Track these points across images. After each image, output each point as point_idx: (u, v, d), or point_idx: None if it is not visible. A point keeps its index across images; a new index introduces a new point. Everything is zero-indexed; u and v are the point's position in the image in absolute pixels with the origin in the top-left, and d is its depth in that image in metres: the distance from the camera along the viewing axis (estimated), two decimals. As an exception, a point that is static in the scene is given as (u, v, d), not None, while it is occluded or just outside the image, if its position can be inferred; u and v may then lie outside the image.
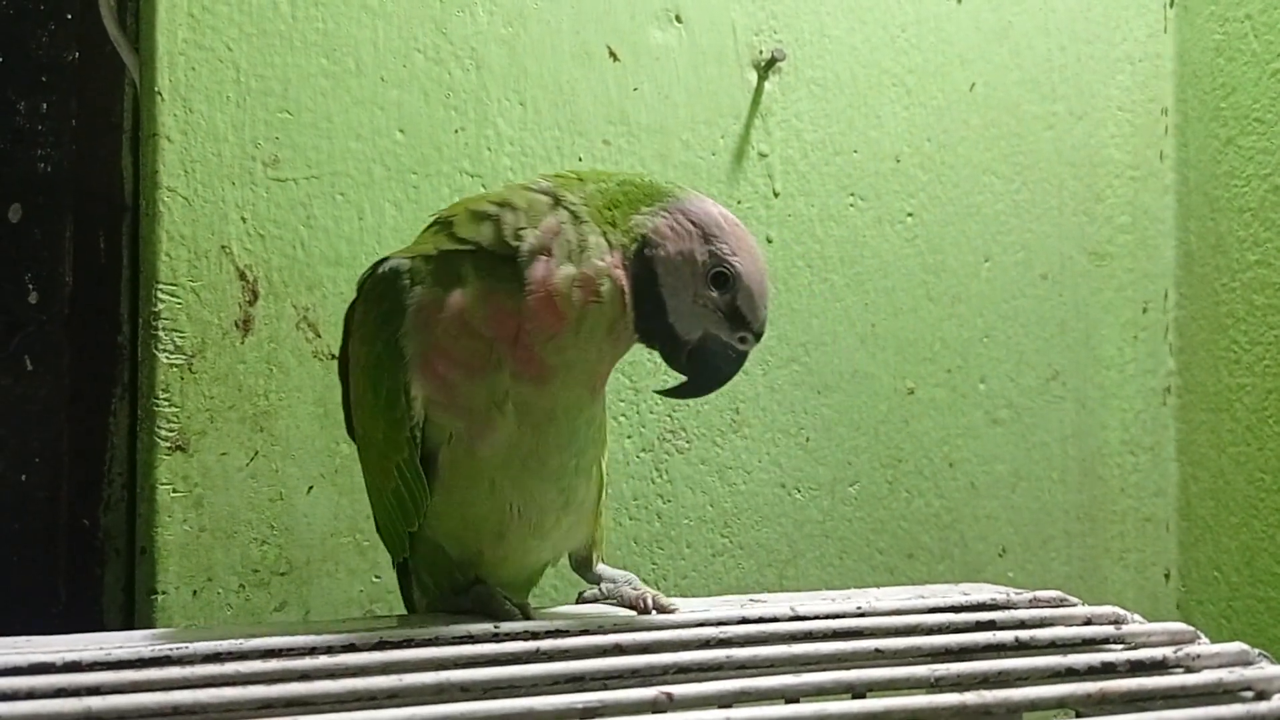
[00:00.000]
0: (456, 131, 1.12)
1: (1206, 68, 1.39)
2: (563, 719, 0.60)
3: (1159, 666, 0.70)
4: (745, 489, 1.22)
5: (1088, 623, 0.77)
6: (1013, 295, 1.35)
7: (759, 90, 1.24)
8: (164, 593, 1.00)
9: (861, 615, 0.77)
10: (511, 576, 0.81)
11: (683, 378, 0.77)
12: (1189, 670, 0.70)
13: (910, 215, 1.30)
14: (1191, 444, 1.40)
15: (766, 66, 1.24)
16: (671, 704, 0.61)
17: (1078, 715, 0.69)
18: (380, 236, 1.08)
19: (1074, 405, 1.37)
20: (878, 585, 1.05)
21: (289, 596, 1.04)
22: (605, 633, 0.71)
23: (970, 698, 0.63)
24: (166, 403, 1.01)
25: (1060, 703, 0.65)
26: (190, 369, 1.02)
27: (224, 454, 1.03)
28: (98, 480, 1.08)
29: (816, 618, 0.76)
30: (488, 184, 1.12)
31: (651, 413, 1.17)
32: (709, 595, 1.16)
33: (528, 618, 0.75)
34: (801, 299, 1.25)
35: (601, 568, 0.84)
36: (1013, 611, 0.79)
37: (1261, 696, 0.68)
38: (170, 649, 0.66)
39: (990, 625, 0.76)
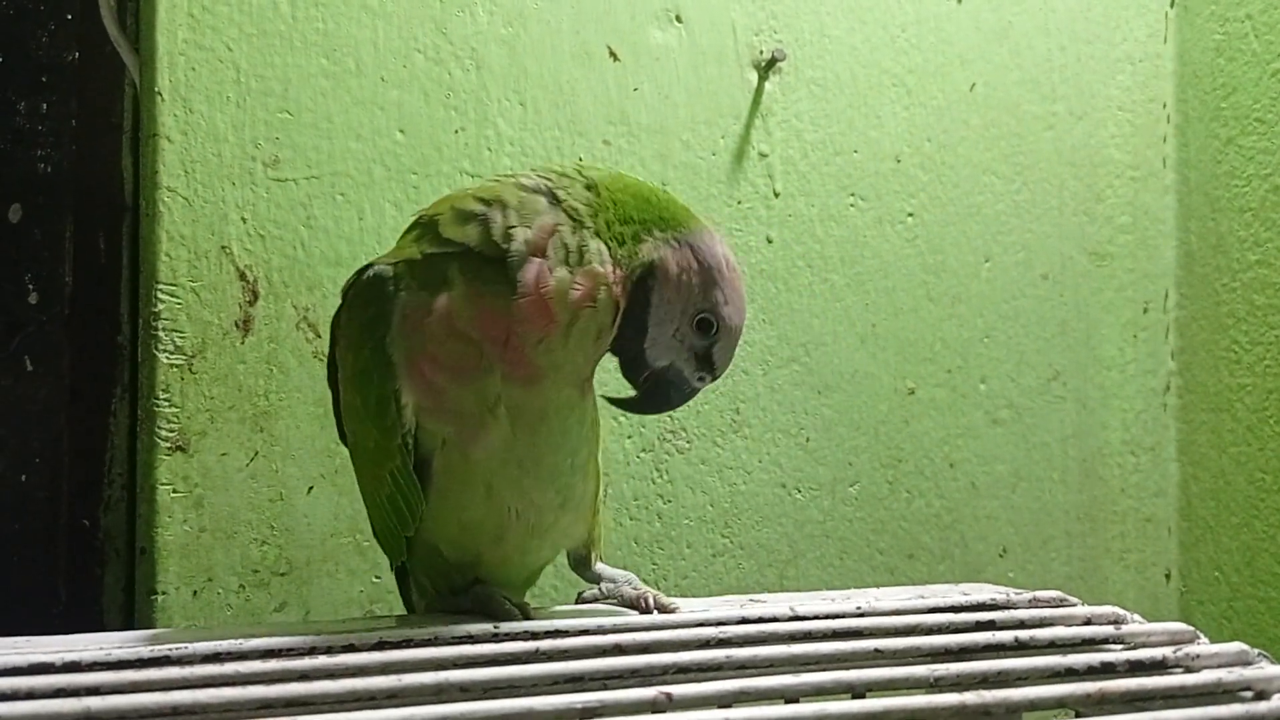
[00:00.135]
0: (457, 132, 1.12)
1: (1207, 68, 1.39)
2: (562, 719, 0.59)
3: (1158, 666, 0.70)
4: (745, 489, 1.22)
5: (1087, 623, 0.77)
6: (1013, 295, 1.35)
7: (759, 90, 1.24)
8: (164, 593, 1.01)
9: (861, 615, 0.77)
10: (511, 577, 0.81)
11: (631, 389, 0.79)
12: (1188, 670, 0.70)
13: (910, 215, 1.30)
14: (1192, 444, 1.40)
15: (767, 66, 1.24)
16: (671, 704, 0.61)
17: (1077, 715, 0.69)
18: (380, 236, 1.08)
19: (1074, 405, 1.37)
20: (878, 585, 1.05)
21: (289, 597, 1.04)
22: (605, 633, 0.71)
23: (970, 698, 0.63)
24: (166, 403, 1.01)
25: (1060, 703, 0.65)
26: (190, 369, 1.02)
27: (224, 454, 1.03)
28: (98, 480, 1.08)
29: (816, 618, 0.76)
30: (488, 184, 1.12)
31: (651, 413, 1.17)
32: (709, 595, 1.16)
33: (527, 618, 0.75)
34: (802, 299, 1.25)
35: (601, 567, 0.84)
36: (1012, 612, 0.79)
37: (1261, 696, 0.68)
38: (170, 649, 0.66)
39: (990, 625, 0.76)
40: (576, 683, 0.64)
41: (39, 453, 1.08)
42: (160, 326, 1.01)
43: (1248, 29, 1.34)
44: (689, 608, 0.80)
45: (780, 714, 0.61)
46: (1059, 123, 1.37)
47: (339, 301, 0.88)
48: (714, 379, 0.79)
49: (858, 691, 0.66)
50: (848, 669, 0.67)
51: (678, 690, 0.62)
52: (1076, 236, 1.38)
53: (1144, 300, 1.41)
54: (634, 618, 0.77)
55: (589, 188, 0.75)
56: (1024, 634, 0.74)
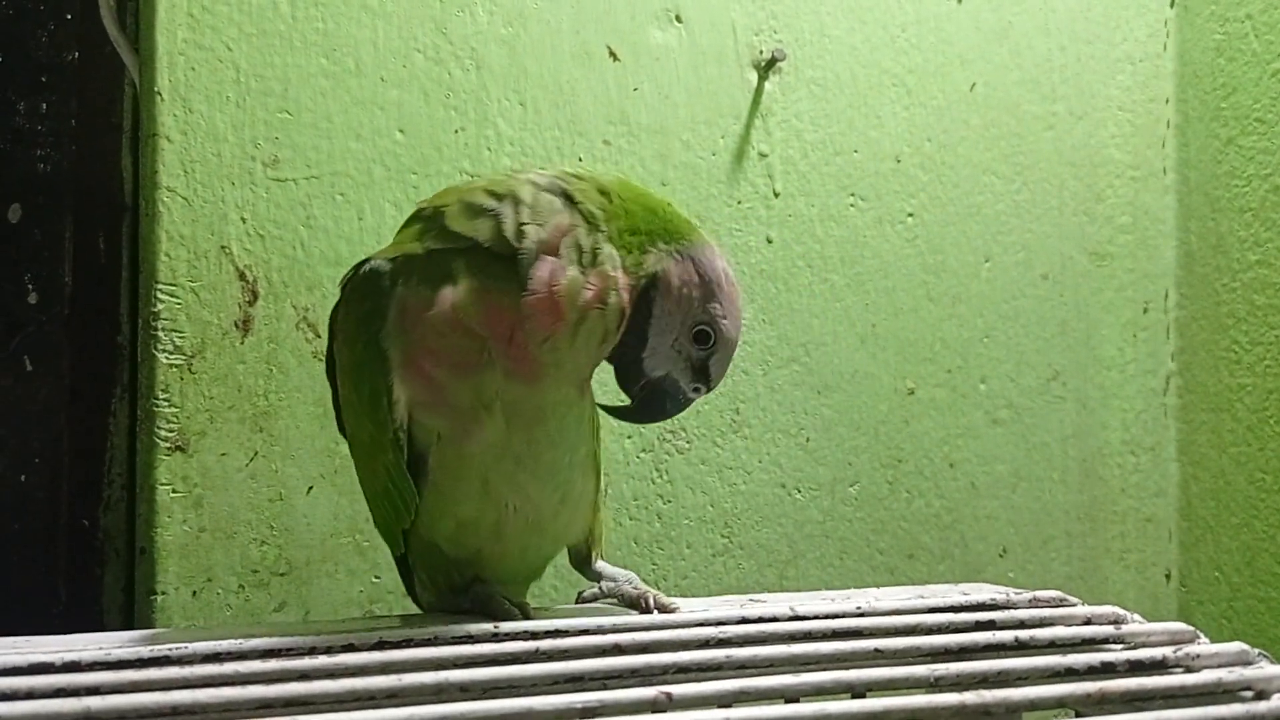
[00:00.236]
0: (456, 131, 1.12)
1: (1207, 68, 1.39)
2: (562, 719, 0.59)
3: (1158, 666, 0.70)
4: (745, 489, 1.22)
5: (1087, 623, 0.77)
6: (1013, 295, 1.35)
7: (759, 90, 1.24)
8: (164, 593, 1.00)
9: (861, 615, 0.77)
10: (511, 573, 0.81)
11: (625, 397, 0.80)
12: (1188, 670, 0.70)
13: (910, 215, 1.30)
14: (1192, 444, 1.40)
15: (767, 66, 1.24)
16: (671, 704, 0.61)
17: (1077, 715, 0.69)
18: (380, 236, 1.08)
19: (1074, 405, 1.37)
20: (878, 585, 1.05)
21: (288, 597, 1.04)
22: (605, 633, 0.71)
23: (970, 697, 0.63)
24: (166, 403, 1.01)
25: (1060, 702, 0.65)
26: (190, 369, 1.02)
27: (224, 454, 1.03)
28: (97, 480, 1.08)
29: (816, 618, 0.76)
30: (488, 184, 1.12)
31: (651, 413, 1.17)
32: (709, 595, 1.16)
33: (527, 617, 0.75)
34: (801, 299, 1.25)
35: (601, 565, 0.84)
36: (1012, 611, 0.79)
37: (1261, 696, 0.68)
38: (170, 649, 0.66)
39: (990, 625, 0.76)
40: (576, 682, 0.64)
41: (39, 453, 1.08)
42: (160, 326, 1.01)
43: (1248, 29, 1.34)
44: (689, 608, 0.79)
45: (780, 714, 0.61)
46: (1059, 123, 1.37)
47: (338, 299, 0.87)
48: (709, 390, 0.80)
49: (858, 691, 0.66)
50: (848, 669, 0.67)
51: (678, 690, 0.62)
52: (1077, 236, 1.38)
53: (1144, 300, 1.41)
54: (634, 618, 0.77)
55: (603, 193, 0.75)
56: (1024, 634, 0.74)
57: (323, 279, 1.06)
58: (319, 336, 1.06)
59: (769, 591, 1.00)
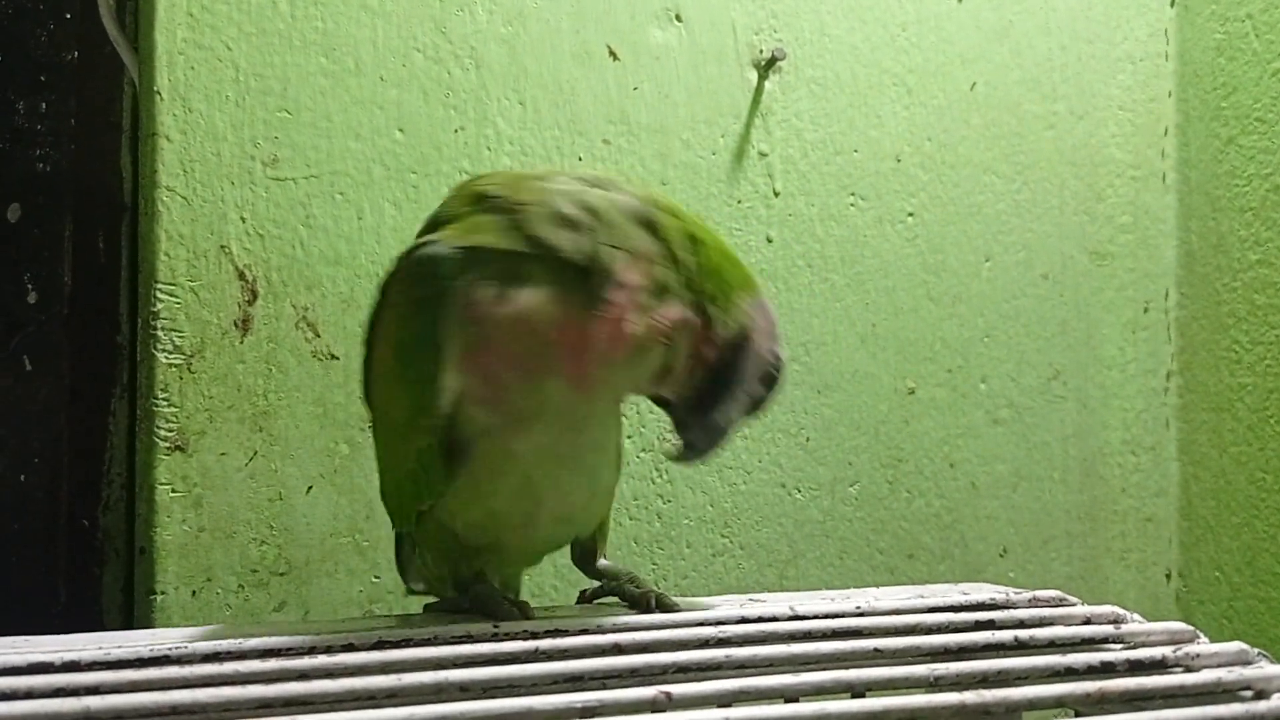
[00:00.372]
0: (456, 131, 1.12)
1: (1208, 67, 1.39)
2: (561, 718, 0.59)
3: (1158, 666, 0.70)
4: (745, 489, 1.22)
5: (1087, 622, 0.77)
6: (1013, 295, 1.35)
7: (759, 90, 1.24)
8: (163, 593, 1.00)
9: (861, 615, 0.77)
10: (522, 561, 0.82)
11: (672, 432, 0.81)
12: (1188, 670, 0.70)
13: (911, 215, 1.30)
14: (1193, 444, 1.40)
15: (767, 66, 1.24)
16: (670, 703, 0.61)
17: (1077, 715, 0.69)
18: (380, 236, 1.08)
19: (1075, 405, 1.37)
20: (878, 585, 1.05)
21: (288, 597, 1.04)
22: (604, 632, 0.71)
23: (969, 697, 0.63)
24: (165, 403, 1.01)
25: (1059, 702, 0.65)
26: (189, 369, 1.02)
27: (223, 454, 1.03)
28: (97, 480, 1.08)
29: (816, 617, 0.76)
30: (487, 183, 1.12)
31: (651, 413, 1.17)
32: (709, 595, 1.16)
33: (527, 617, 0.75)
34: (801, 299, 1.25)
35: (602, 563, 0.84)
36: (1012, 611, 0.79)
37: (1261, 696, 0.68)
38: (169, 649, 0.66)
39: (989, 625, 0.76)
40: (576, 682, 0.64)
41: (38, 452, 1.08)
42: (159, 326, 1.01)
43: (1248, 28, 1.34)
44: (689, 608, 0.79)
45: (780, 713, 0.61)
46: (1059, 122, 1.37)
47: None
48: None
49: (857, 691, 0.66)
50: (847, 668, 0.67)
51: (677, 690, 0.62)
52: (1077, 236, 1.38)
53: (1144, 300, 1.41)
54: (633, 617, 0.77)
55: (690, 238, 0.75)
56: (1024, 633, 0.74)
57: (322, 278, 1.06)
58: (318, 336, 1.06)
59: (769, 591, 1.00)
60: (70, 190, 1.10)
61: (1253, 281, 1.33)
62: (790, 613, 0.77)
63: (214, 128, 1.03)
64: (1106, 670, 0.69)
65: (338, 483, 1.06)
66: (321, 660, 0.64)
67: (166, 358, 1.02)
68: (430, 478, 0.75)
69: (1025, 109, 1.36)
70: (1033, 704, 0.65)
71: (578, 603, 0.85)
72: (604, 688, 0.63)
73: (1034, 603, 0.81)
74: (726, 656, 0.68)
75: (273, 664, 0.63)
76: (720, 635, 0.71)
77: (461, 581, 0.78)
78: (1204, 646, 0.72)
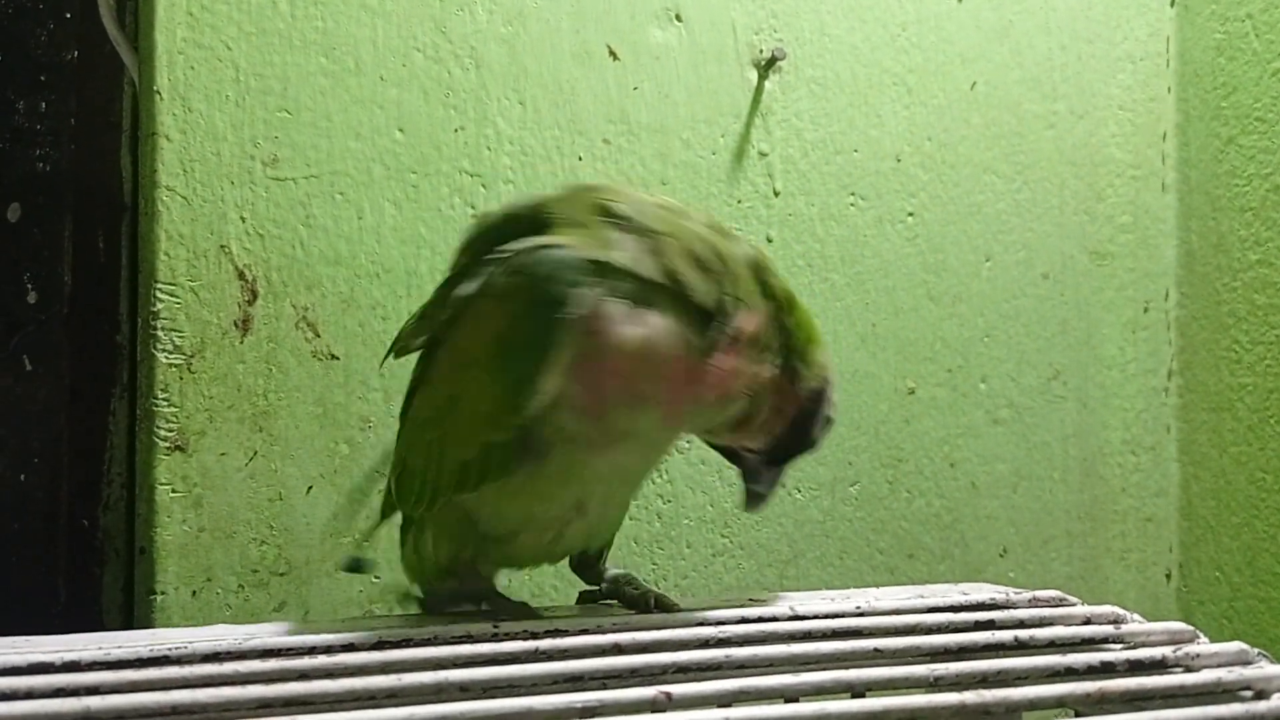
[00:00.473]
0: (456, 130, 1.12)
1: (1208, 67, 1.39)
2: (561, 718, 0.59)
3: (1158, 666, 0.70)
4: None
5: (1087, 622, 0.77)
6: (1014, 295, 1.35)
7: (759, 89, 1.24)
8: (163, 593, 1.00)
9: (861, 615, 0.77)
10: (527, 560, 0.82)
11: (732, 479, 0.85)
12: (1188, 670, 0.70)
13: (911, 215, 1.30)
14: (1193, 443, 1.40)
15: (767, 65, 1.24)
16: (670, 703, 0.61)
17: (1077, 714, 0.69)
18: (380, 235, 1.08)
19: (1075, 405, 1.37)
20: (878, 585, 1.05)
21: (288, 597, 1.04)
22: (604, 632, 0.71)
23: (969, 697, 0.63)
24: (165, 403, 1.01)
25: (1059, 702, 0.65)
26: (189, 369, 1.02)
27: (223, 454, 1.03)
28: (97, 480, 1.08)
29: (816, 617, 0.76)
30: (487, 183, 1.12)
31: (651, 412, 1.17)
32: (709, 595, 1.16)
33: (530, 618, 0.75)
34: (802, 298, 1.25)
35: (600, 569, 0.84)
36: (1012, 611, 0.79)
37: (1261, 696, 0.68)
38: (169, 649, 0.66)
39: (989, 625, 0.76)
40: (576, 682, 0.64)
41: (38, 452, 1.08)
42: (159, 326, 1.01)
43: (1248, 28, 1.34)
44: (689, 608, 0.79)
45: (780, 713, 0.61)
46: (1060, 122, 1.37)
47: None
48: None
49: (857, 691, 0.66)
50: (847, 668, 0.67)
51: (677, 689, 0.62)
52: (1077, 235, 1.38)
53: (1145, 299, 1.41)
54: (633, 617, 0.77)
55: (788, 297, 0.79)
56: (1023, 633, 0.74)
57: (322, 278, 1.06)
58: (318, 336, 1.06)
59: (769, 591, 1.00)
60: (70, 190, 1.10)
61: (1253, 281, 1.33)
62: (790, 613, 0.77)
63: (214, 127, 1.03)
64: (1106, 670, 0.69)
65: (338, 483, 1.06)
66: (321, 660, 0.64)
67: (166, 358, 1.02)
68: (487, 471, 0.73)
69: (1025, 109, 1.36)
70: (1033, 704, 0.65)
71: (577, 603, 0.85)
72: (604, 688, 0.63)
73: (1034, 603, 0.82)
74: (726, 656, 0.68)
75: (273, 664, 0.63)
76: (720, 635, 0.71)
77: (457, 568, 0.78)
78: (1204, 646, 0.72)
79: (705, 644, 0.70)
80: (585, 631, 0.71)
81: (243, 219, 1.04)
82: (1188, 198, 1.41)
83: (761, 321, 0.75)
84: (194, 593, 1.01)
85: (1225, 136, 1.36)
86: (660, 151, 1.19)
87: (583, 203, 0.75)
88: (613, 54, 1.18)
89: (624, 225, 0.73)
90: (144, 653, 0.65)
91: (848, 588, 0.88)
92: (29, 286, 1.08)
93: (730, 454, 0.84)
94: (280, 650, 0.67)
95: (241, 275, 1.04)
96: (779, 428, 0.79)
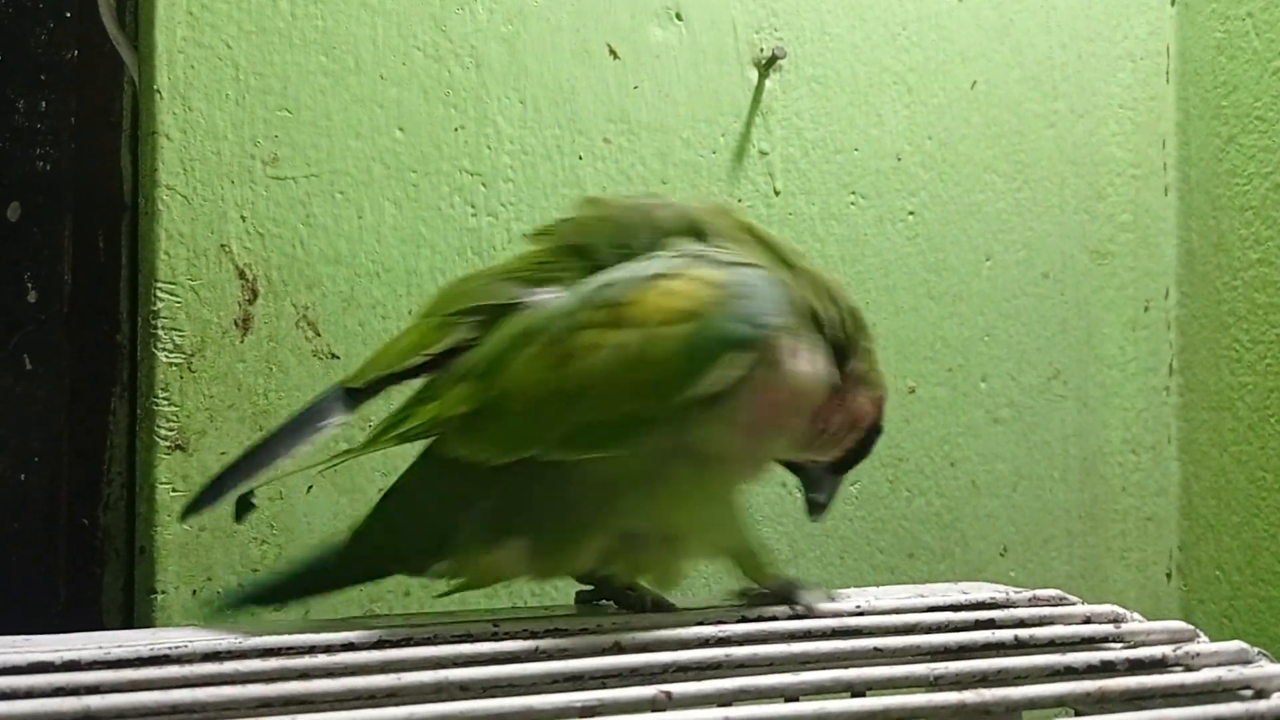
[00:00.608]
0: (456, 130, 1.12)
1: (1208, 65, 1.39)
2: (561, 717, 0.59)
3: (1158, 665, 0.70)
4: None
5: (1087, 621, 0.77)
6: (1014, 294, 1.35)
7: (759, 88, 1.24)
8: (163, 592, 1.00)
9: (861, 614, 0.77)
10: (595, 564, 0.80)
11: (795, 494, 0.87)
12: (1188, 669, 0.70)
13: (911, 214, 1.30)
14: (1193, 442, 1.40)
15: (767, 64, 1.24)
16: (670, 702, 0.61)
17: (1077, 714, 0.69)
18: (380, 235, 1.08)
19: (1075, 404, 1.37)
20: (878, 584, 1.05)
21: (288, 595, 1.04)
22: (604, 631, 0.71)
23: (969, 696, 0.63)
24: (166, 402, 1.01)
25: (1059, 701, 0.65)
26: (189, 368, 1.02)
27: (223, 453, 1.03)
28: (97, 480, 1.08)
29: (816, 616, 0.76)
30: (487, 182, 1.12)
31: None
32: (709, 595, 1.16)
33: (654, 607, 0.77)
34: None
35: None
36: (1012, 610, 0.79)
37: (1261, 695, 0.68)
38: (169, 648, 0.66)
39: (989, 624, 0.76)
40: (576, 681, 0.64)
41: (38, 452, 1.08)
42: (159, 325, 1.01)
43: (1248, 27, 1.34)
44: (689, 607, 0.80)
45: (780, 712, 0.61)
46: (1060, 121, 1.37)
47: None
48: None
49: (857, 690, 0.66)
50: (847, 668, 0.67)
51: (677, 689, 0.62)
52: (1077, 235, 1.38)
53: (1145, 298, 1.41)
54: (633, 616, 0.77)
55: (866, 327, 0.82)
56: (1024, 633, 0.74)
57: (322, 277, 1.06)
58: (319, 335, 1.06)
59: (769, 590, 1.00)
60: (70, 189, 1.10)
61: (1253, 280, 1.33)
62: (790, 612, 0.77)
63: (214, 126, 1.03)
64: (1106, 669, 0.69)
65: (338, 483, 1.06)
66: (321, 660, 0.64)
67: (166, 357, 1.02)
68: (609, 438, 0.72)
69: (1026, 108, 1.36)
70: (1033, 703, 0.65)
71: (576, 603, 0.85)
72: (604, 687, 0.63)
73: (1034, 602, 0.82)
74: (726, 656, 0.68)
75: (273, 663, 0.63)
76: (720, 635, 0.71)
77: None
78: (1204, 645, 0.73)
79: (705, 643, 0.70)
80: (585, 631, 0.71)
81: (243, 218, 1.04)
82: (1188, 196, 1.41)
83: (868, 357, 0.80)
84: (194, 592, 1.01)
85: (1225, 135, 1.36)
86: (660, 150, 1.19)
87: (728, 218, 0.79)
88: (613, 53, 1.18)
89: (772, 251, 0.78)
90: (144, 652, 0.65)
91: (848, 587, 0.88)
92: (29, 286, 1.08)
93: (792, 465, 0.85)
94: (280, 650, 0.67)
95: (242, 274, 1.04)
96: (853, 441, 0.82)
